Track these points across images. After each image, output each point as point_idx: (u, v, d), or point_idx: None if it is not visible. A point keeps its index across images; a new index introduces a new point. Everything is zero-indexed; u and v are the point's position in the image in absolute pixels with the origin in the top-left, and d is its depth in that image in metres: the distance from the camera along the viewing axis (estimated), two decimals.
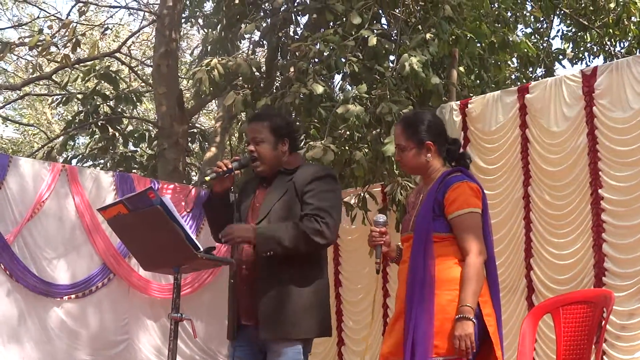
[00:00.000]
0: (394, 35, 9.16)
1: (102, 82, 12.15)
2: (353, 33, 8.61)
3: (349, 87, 9.63)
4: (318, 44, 8.60)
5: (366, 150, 8.46)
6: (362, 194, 8.95)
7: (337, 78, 9.85)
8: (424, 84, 8.49)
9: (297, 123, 4.67)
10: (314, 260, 4.17)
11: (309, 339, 4.15)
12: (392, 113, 7.96)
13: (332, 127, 8.35)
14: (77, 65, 12.88)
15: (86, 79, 11.85)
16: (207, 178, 4.16)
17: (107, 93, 12.51)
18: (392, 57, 9.08)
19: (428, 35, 8.54)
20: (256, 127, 4.28)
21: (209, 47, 10.16)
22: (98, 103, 11.63)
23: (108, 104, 11.95)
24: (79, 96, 12.28)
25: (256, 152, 4.24)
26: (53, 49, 10.29)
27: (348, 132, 8.40)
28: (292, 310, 4.03)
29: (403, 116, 4.15)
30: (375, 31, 8.49)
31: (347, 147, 8.36)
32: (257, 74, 9.66)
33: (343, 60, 8.36)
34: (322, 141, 8.05)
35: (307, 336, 4.11)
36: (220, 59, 9.07)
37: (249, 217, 4.23)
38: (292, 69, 9.20)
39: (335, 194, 4.23)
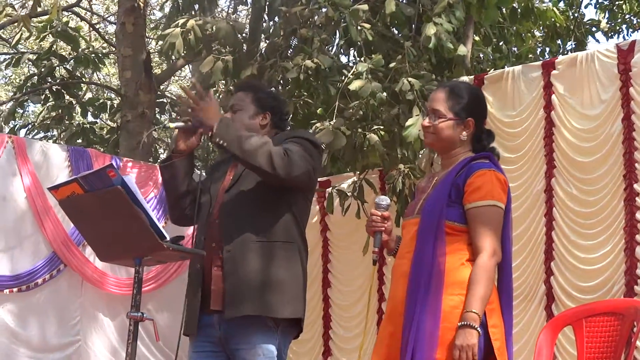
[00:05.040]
0: None
1: (59, 41, 12.10)
2: None
3: (353, 60, 9.56)
4: (325, 8, 8.50)
5: (382, 132, 8.41)
6: (358, 182, 8.93)
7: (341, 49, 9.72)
8: (449, 54, 8.42)
9: (287, 101, 4.74)
10: (287, 232, 4.19)
11: (285, 326, 4.17)
12: (414, 90, 7.92)
13: (340, 106, 8.29)
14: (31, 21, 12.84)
15: (41, 36, 11.80)
16: (172, 125, 4.19)
17: (64, 54, 12.47)
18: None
19: None
20: (239, 95, 4.41)
21: (182, 3, 10.07)
22: (54, 65, 11.59)
23: (65, 66, 11.91)
24: (32, 56, 12.24)
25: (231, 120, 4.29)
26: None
27: (361, 112, 8.34)
28: (258, 285, 4.06)
29: (449, 82, 4.12)
30: None
31: (359, 129, 8.31)
32: (240, 37, 9.60)
33: (354, 27, 8.25)
34: (331, 122, 8.01)
35: (273, 314, 4.09)
36: (197, 19, 9.00)
37: (219, 195, 4.28)
38: (282, 33, 9.15)
39: (308, 150, 4.22)
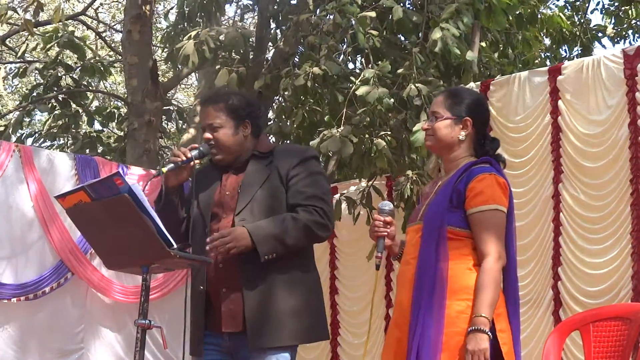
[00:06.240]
0: (418, 3, 9.08)
1: (65, 50, 12.13)
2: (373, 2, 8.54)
3: (360, 66, 9.55)
4: (332, 15, 8.50)
5: (389, 138, 8.41)
6: (366, 189, 8.92)
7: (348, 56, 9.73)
8: (456, 59, 8.42)
9: (258, 101, 4.71)
10: (303, 253, 4.19)
11: (296, 345, 4.17)
12: (422, 95, 7.92)
13: (347, 113, 8.29)
14: (36, 30, 12.87)
15: (47, 46, 11.83)
16: (165, 170, 4.16)
17: (71, 63, 12.49)
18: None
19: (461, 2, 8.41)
20: (211, 111, 4.26)
21: (187, 11, 10.08)
22: (60, 74, 11.61)
23: (71, 75, 11.94)
24: (38, 65, 12.27)
25: (214, 140, 4.23)
26: (11, 13, 10.31)
27: (368, 118, 8.34)
28: (281, 312, 4.05)
29: (450, 88, 4.16)
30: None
31: (366, 135, 8.30)
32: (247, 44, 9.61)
33: (361, 34, 8.24)
34: (338, 129, 8.01)
35: (302, 342, 4.14)
36: (208, 29, 9.01)
37: (217, 209, 4.23)
38: (293, 40, 9.16)
39: (324, 176, 4.29)
